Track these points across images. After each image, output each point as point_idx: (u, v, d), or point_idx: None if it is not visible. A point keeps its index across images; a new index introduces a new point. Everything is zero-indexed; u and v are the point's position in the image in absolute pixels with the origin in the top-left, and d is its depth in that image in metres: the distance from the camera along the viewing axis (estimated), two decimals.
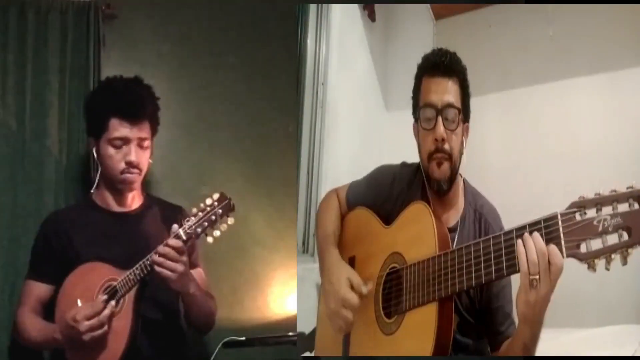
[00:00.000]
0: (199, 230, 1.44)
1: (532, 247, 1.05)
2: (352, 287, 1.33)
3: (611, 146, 2.72)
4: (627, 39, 2.75)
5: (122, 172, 1.63)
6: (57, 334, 1.51)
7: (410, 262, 1.33)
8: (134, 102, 1.63)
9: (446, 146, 1.35)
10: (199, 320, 1.67)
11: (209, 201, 1.45)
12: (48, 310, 1.63)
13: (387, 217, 1.48)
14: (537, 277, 1.04)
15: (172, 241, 1.43)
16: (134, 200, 1.73)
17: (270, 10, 2.25)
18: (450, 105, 1.35)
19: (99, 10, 2.03)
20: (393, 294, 1.36)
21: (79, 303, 1.51)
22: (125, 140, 1.62)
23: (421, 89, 1.41)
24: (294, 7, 2.42)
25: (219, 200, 1.45)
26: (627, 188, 0.99)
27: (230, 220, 1.46)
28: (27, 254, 1.74)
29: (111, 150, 1.62)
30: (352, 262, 1.50)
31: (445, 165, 1.37)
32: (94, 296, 1.52)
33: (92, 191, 1.72)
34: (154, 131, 1.70)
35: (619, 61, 2.78)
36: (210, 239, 1.46)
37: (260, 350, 1.84)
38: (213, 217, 1.44)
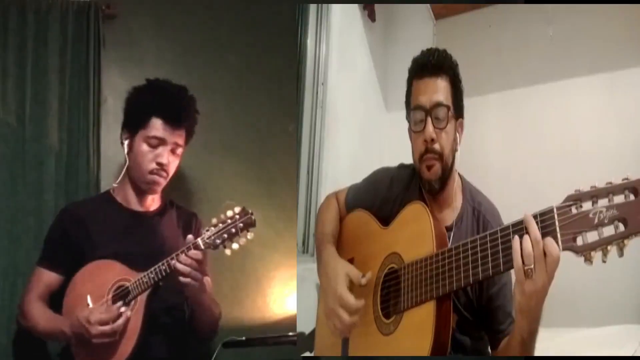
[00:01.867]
0: (218, 241, 1.43)
1: (527, 239, 1.05)
2: (351, 284, 1.32)
3: (611, 146, 2.72)
4: (627, 39, 2.74)
5: (151, 172, 1.63)
6: (66, 328, 1.51)
7: (408, 262, 1.33)
8: (180, 108, 1.66)
9: (436, 146, 1.36)
10: (204, 327, 1.68)
11: (229, 213, 1.44)
12: (53, 299, 1.62)
13: (386, 219, 1.48)
14: (532, 266, 1.04)
15: (192, 252, 1.43)
16: (154, 201, 1.74)
17: (270, 10, 2.25)
18: (439, 104, 1.35)
19: (99, 10, 2.04)
20: (391, 294, 1.36)
21: (89, 300, 1.51)
22: (162, 142, 1.63)
23: (412, 92, 1.41)
24: (294, 7, 2.42)
25: (240, 213, 1.44)
26: (623, 180, 0.99)
27: (250, 235, 1.44)
28: (27, 254, 1.74)
29: (145, 148, 1.63)
30: (350, 263, 1.49)
31: (436, 167, 1.37)
32: (105, 294, 1.52)
33: (114, 185, 1.72)
34: (187, 141, 1.71)
35: (618, 61, 2.77)
36: (228, 252, 1.45)
37: (260, 350, 1.83)
38: (233, 230, 1.43)
